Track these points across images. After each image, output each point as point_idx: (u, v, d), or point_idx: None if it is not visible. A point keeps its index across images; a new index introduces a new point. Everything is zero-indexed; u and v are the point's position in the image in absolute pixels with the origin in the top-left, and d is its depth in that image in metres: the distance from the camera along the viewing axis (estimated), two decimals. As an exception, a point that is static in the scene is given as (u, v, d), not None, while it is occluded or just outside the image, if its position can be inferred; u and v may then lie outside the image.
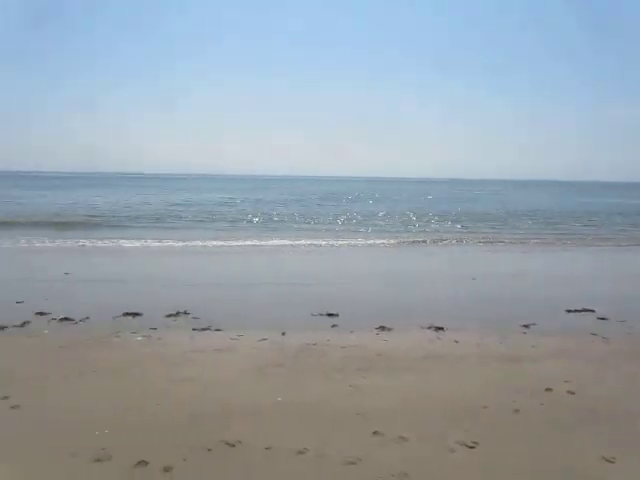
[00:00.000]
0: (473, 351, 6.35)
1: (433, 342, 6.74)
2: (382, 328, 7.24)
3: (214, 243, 17.60)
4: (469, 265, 14.52)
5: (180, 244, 17.13)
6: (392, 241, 19.18)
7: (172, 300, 8.52)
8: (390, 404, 4.76)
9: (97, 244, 16.67)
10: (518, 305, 8.91)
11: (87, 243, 16.70)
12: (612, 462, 3.81)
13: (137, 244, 16.73)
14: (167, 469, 3.62)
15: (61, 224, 22.49)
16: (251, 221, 26.00)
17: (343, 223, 26.13)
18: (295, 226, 24.49)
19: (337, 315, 7.91)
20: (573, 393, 5.04)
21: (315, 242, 18.10)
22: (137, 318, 7.63)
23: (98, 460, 3.72)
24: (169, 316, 7.73)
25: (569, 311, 8.37)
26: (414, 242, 19.18)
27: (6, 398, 4.72)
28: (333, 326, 7.44)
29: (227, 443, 3.97)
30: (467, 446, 4.00)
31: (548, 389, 5.12)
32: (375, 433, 4.16)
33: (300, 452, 3.86)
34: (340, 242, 18.43)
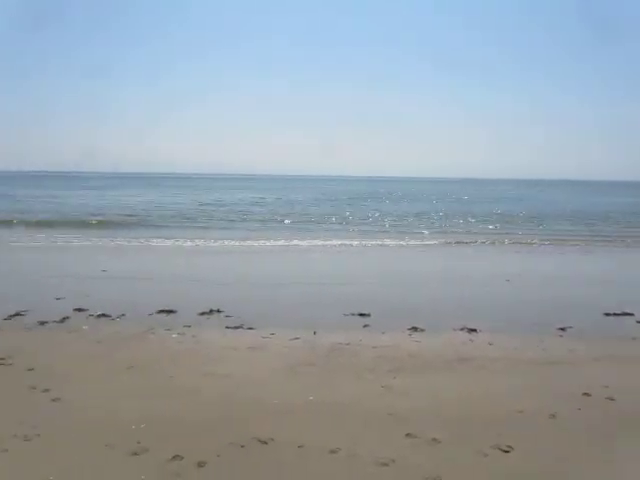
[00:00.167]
0: (507, 354, 6.24)
1: (466, 344, 6.65)
2: (414, 329, 7.19)
3: (246, 243, 17.77)
4: (508, 266, 14.26)
5: (212, 243, 17.36)
6: (438, 241, 19.03)
7: (205, 298, 8.64)
8: (422, 405, 4.72)
9: (132, 243, 17.07)
10: (554, 307, 8.71)
11: (123, 242, 17.10)
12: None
13: (170, 243, 17.05)
14: (201, 464, 3.67)
15: (98, 223, 23.18)
16: (282, 221, 26.09)
17: (390, 224, 25.31)
18: (342, 226, 24.35)
19: (369, 315, 7.89)
20: (612, 399, 4.90)
21: (346, 242, 18.06)
22: (171, 315, 7.78)
23: (135, 454, 3.80)
24: (202, 314, 7.85)
25: (607, 314, 8.15)
26: (459, 242, 18.88)
27: (47, 391, 4.88)
28: (365, 326, 7.43)
29: (260, 440, 4.00)
30: (501, 450, 3.93)
31: (586, 394, 4.99)
32: (408, 435, 4.13)
33: (332, 451, 3.86)
34: (371, 242, 18.34)
